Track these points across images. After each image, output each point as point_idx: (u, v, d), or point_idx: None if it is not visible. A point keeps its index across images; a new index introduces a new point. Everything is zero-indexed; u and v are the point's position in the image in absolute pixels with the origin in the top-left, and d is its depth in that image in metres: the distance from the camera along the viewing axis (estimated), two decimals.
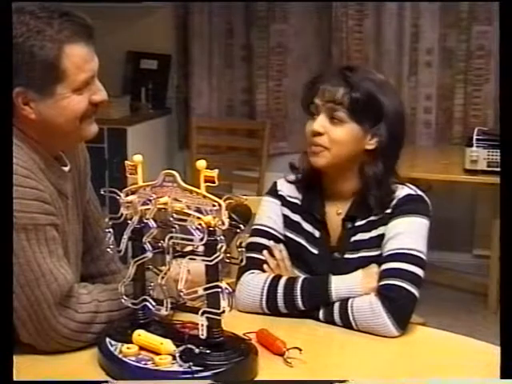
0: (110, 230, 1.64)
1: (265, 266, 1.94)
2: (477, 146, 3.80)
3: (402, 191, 1.92)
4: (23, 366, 1.54)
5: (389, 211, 1.90)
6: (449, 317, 3.89)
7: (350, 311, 1.80)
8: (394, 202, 1.90)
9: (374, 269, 1.85)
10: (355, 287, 1.82)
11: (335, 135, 1.87)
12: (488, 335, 1.83)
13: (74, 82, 1.67)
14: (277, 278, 1.89)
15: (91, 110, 1.73)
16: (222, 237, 1.50)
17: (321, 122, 1.88)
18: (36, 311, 1.61)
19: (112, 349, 1.58)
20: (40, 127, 1.70)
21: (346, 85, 1.85)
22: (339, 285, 1.83)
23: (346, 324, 1.80)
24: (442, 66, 4.56)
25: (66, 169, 1.81)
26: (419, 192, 1.94)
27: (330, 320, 1.82)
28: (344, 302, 1.81)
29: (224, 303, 1.50)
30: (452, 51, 4.53)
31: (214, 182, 1.49)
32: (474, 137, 3.83)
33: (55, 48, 1.64)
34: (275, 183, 2.05)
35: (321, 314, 1.83)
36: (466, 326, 3.72)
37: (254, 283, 1.90)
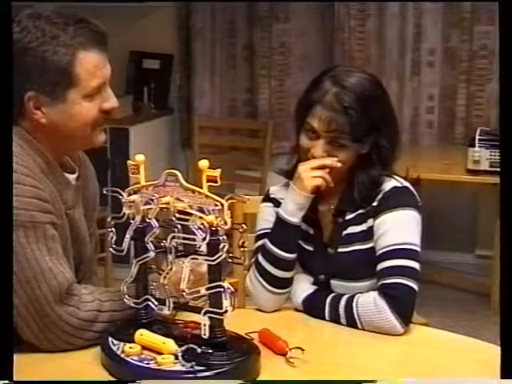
0: (112, 229, 1.64)
1: None
2: (479, 146, 3.80)
3: (388, 184, 1.92)
4: (24, 365, 1.54)
5: (375, 204, 1.91)
6: (451, 317, 3.88)
7: (355, 310, 1.81)
8: (380, 195, 1.91)
9: (298, 168, 1.90)
10: (293, 196, 1.90)
11: (339, 159, 1.89)
12: (490, 335, 1.83)
13: (86, 89, 1.68)
14: (256, 256, 1.96)
15: (101, 117, 1.74)
16: (225, 236, 1.50)
17: (323, 148, 1.89)
18: (37, 309, 1.62)
19: (114, 348, 1.58)
20: (49, 132, 1.72)
21: (346, 112, 1.84)
22: (284, 206, 1.91)
23: (351, 322, 1.81)
24: (445, 66, 4.56)
25: (73, 176, 1.82)
26: (405, 183, 1.94)
27: (334, 319, 1.83)
28: (349, 300, 1.83)
29: (226, 303, 1.50)
30: (454, 51, 4.52)
31: (216, 182, 1.49)
32: (477, 137, 3.83)
33: (69, 54, 1.66)
34: (268, 190, 2.08)
35: (326, 313, 1.84)
36: (468, 326, 3.72)
37: (251, 275, 1.95)
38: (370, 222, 1.91)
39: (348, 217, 1.94)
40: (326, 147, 1.88)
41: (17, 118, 1.71)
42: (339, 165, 1.88)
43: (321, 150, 1.89)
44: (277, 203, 2.01)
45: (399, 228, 1.87)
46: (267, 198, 2.05)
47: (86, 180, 1.90)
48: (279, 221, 1.92)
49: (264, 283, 1.91)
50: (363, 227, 1.92)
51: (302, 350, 1.62)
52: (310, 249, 1.98)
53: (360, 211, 1.93)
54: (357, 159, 1.92)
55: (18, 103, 1.68)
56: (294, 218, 1.90)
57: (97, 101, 1.71)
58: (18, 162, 1.63)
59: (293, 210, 1.90)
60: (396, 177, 1.95)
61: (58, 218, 1.70)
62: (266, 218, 2.02)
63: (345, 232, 1.94)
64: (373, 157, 1.92)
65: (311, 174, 1.88)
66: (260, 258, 1.92)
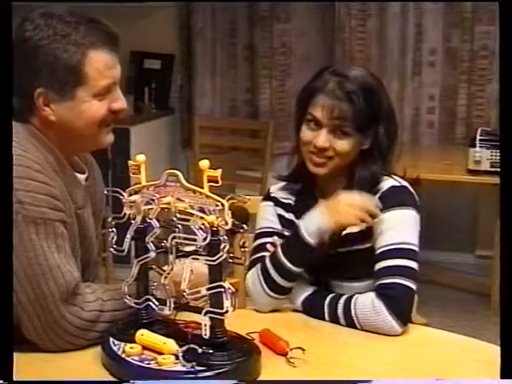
0: (113, 229, 1.64)
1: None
2: (480, 147, 3.80)
3: (386, 183, 1.92)
4: (24, 365, 1.54)
5: None
6: (451, 317, 3.89)
7: (353, 311, 1.81)
8: (379, 194, 1.90)
9: (338, 197, 1.85)
10: (321, 220, 1.84)
11: (340, 148, 1.89)
12: (490, 336, 1.83)
13: (95, 88, 1.70)
14: (263, 259, 1.92)
15: (110, 117, 1.75)
16: (225, 237, 1.50)
17: (325, 137, 1.88)
18: (42, 306, 1.62)
19: (115, 348, 1.58)
20: (58, 129, 1.73)
21: (349, 98, 1.85)
22: (307, 225, 1.85)
23: (350, 323, 1.81)
24: (446, 66, 4.57)
25: (83, 177, 1.83)
26: (404, 183, 1.94)
27: (334, 319, 1.83)
28: (347, 301, 1.83)
29: (227, 303, 1.50)
30: (455, 51, 4.53)
31: (217, 182, 1.49)
32: (478, 137, 3.83)
33: (79, 52, 1.68)
34: (269, 189, 2.08)
35: (325, 314, 1.84)
36: (468, 326, 3.72)
37: (254, 274, 1.93)
38: None
39: None
40: (328, 136, 1.88)
41: (27, 115, 1.73)
42: (380, 215, 1.83)
43: (323, 139, 1.88)
44: (277, 202, 2.02)
45: (398, 227, 1.87)
46: (268, 197, 2.05)
47: (94, 181, 1.91)
48: (297, 236, 1.86)
49: (267, 289, 1.90)
50: (362, 227, 1.91)
51: (303, 350, 1.62)
52: None
53: None
54: (358, 155, 1.92)
55: (28, 100, 1.71)
56: (313, 240, 1.85)
57: (106, 100, 1.73)
58: (30, 158, 1.65)
59: (314, 233, 1.84)
60: (394, 176, 1.94)
61: (68, 217, 1.71)
62: (266, 217, 2.02)
63: (344, 232, 1.93)
64: (374, 152, 1.92)
65: (352, 212, 1.82)
66: (268, 265, 1.89)
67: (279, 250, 1.89)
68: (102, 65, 1.70)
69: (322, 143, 1.88)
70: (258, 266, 1.93)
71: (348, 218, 1.84)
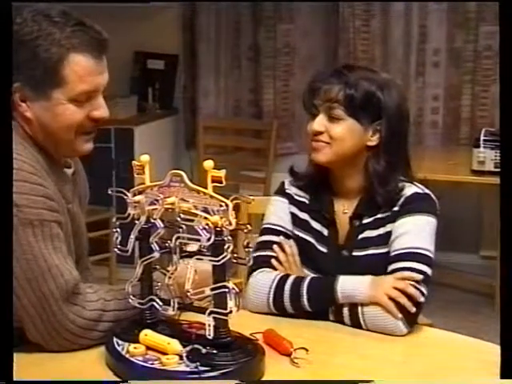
0: (117, 230, 1.64)
1: (273, 262, 1.94)
2: (484, 147, 3.79)
3: (410, 189, 1.93)
4: (28, 365, 1.55)
5: (396, 209, 1.91)
6: (455, 318, 3.88)
7: (359, 310, 1.80)
8: (402, 200, 1.91)
9: (385, 279, 1.81)
10: (359, 292, 1.80)
11: (334, 132, 1.90)
12: (494, 336, 1.82)
13: (72, 91, 1.67)
14: (284, 277, 1.88)
15: (89, 125, 1.73)
16: (229, 237, 1.50)
17: (320, 121, 1.91)
18: (44, 306, 1.62)
19: (119, 348, 1.58)
20: (36, 127, 1.71)
21: (341, 82, 1.89)
22: (345, 288, 1.81)
23: (355, 323, 1.80)
24: (450, 67, 4.57)
25: (70, 171, 1.83)
26: (427, 190, 1.95)
27: (339, 318, 1.82)
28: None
29: (231, 303, 1.50)
30: (459, 52, 4.53)
31: (221, 182, 1.49)
32: (481, 137, 3.83)
33: (59, 53, 1.65)
34: (283, 183, 2.06)
35: (330, 313, 1.83)
36: (473, 327, 3.71)
37: (262, 282, 1.90)
38: (388, 226, 1.91)
39: (365, 221, 1.94)
40: (324, 121, 1.91)
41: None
42: (422, 299, 1.79)
43: (318, 123, 1.91)
44: (292, 200, 2.01)
45: (416, 232, 1.87)
46: (282, 192, 2.04)
47: (78, 172, 1.91)
48: (329, 288, 1.81)
49: (272, 307, 1.87)
50: (380, 231, 1.92)
51: (307, 350, 1.62)
52: (324, 250, 1.96)
53: (378, 216, 1.93)
54: (367, 153, 1.93)
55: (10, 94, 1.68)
56: (342, 300, 1.81)
57: (86, 107, 1.70)
58: (22, 159, 1.64)
59: (347, 297, 1.80)
60: (417, 184, 1.96)
61: (62, 216, 1.71)
62: (277, 213, 2.01)
63: (361, 236, 1.93)
64: (380, 150, 1.92)
65: (392, 293, 1.77)
66: (286, 292, 1.85)
67: (304, 289, 1.84)
68: (82, 69, 1.67)
69: (316, 127, 1.91)
70: (275, 282, 1.88)
71: (384, 298, 1.77)
